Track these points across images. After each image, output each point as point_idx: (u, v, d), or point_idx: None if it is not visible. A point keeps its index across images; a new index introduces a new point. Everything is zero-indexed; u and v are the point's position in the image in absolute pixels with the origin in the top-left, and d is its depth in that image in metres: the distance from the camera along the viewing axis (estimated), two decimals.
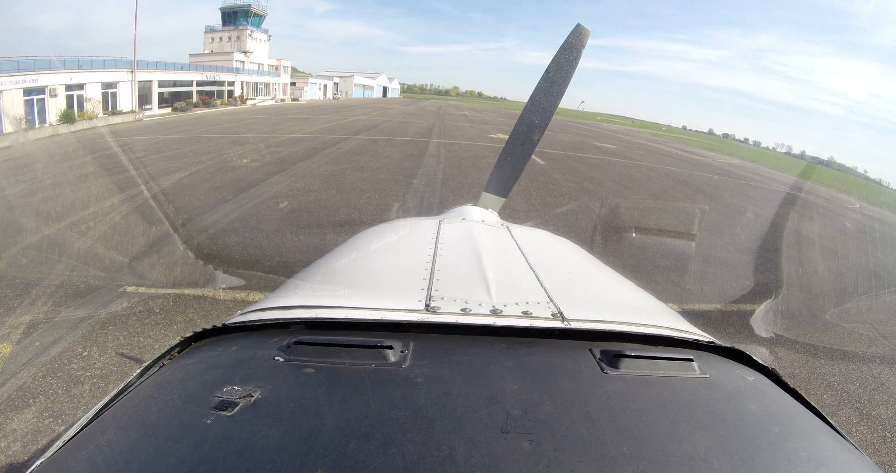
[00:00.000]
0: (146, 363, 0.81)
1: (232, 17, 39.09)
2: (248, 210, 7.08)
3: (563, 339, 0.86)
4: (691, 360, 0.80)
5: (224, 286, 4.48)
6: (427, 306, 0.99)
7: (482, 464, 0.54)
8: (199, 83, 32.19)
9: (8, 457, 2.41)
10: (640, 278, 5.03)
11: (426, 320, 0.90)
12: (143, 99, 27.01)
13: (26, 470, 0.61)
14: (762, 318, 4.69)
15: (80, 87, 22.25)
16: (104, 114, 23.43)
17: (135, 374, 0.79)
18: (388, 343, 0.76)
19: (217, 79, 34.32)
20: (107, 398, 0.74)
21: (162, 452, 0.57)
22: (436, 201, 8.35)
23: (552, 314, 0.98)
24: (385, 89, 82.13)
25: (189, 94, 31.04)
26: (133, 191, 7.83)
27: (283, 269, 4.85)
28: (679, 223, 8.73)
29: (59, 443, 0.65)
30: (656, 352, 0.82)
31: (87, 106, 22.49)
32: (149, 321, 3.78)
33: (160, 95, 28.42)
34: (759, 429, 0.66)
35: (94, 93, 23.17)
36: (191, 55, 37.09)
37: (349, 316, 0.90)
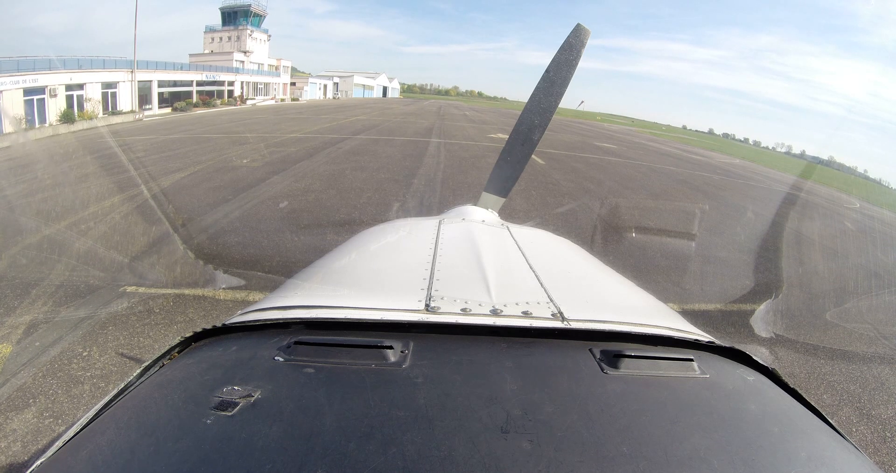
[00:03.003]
0: (146, 363, 0.81)
1: (232, 17, 39.08)
2: (248, 210, 7.08)
3: (563, 339, 0.86)
4: (691, 360, 0.80)
5: (224, 286, 4.48)
6: (427, 306, 0.99)
7: (482, 464, 0.54)
8: (199, 83, 32.17)
9: (8, 457, 2.41)
10: (640, 278, 5.02)
11: (426, 320, 0.90)
12: (143, 99, 27.01)
13: (26, 470, 0.61)
14: (762, 318, 4.69)
15: (80, 87, 22.25)
16: (104, 114, 23.42)
17: (135, 374, 0.78)
18: (388, 343, 0.76)
19: (217, 79, 34.30)
20: (107, 398, 0.74)
21: (162, 452, 0.57)
22: (436, 201, 8.35)
23: (552, 314, 0.98)
24: (385, 89, 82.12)
25: (189, 94, 31.03)
26: (133, 191, 7.83)
27: (283, 269, 4.84)
28: (679, 223, 8.72)
29: (59, 443, 0.65)
30: (656, 352, 0.81)
31: (87, 106, 22.49)
32: (149, 321, 3.78)
33: (160, 95, 28.42)
34: (759, 429, 0.66)
35: (94, 93, 23.16)
36: (191, 55, 37.12)
37: (349, 316, 0.90)
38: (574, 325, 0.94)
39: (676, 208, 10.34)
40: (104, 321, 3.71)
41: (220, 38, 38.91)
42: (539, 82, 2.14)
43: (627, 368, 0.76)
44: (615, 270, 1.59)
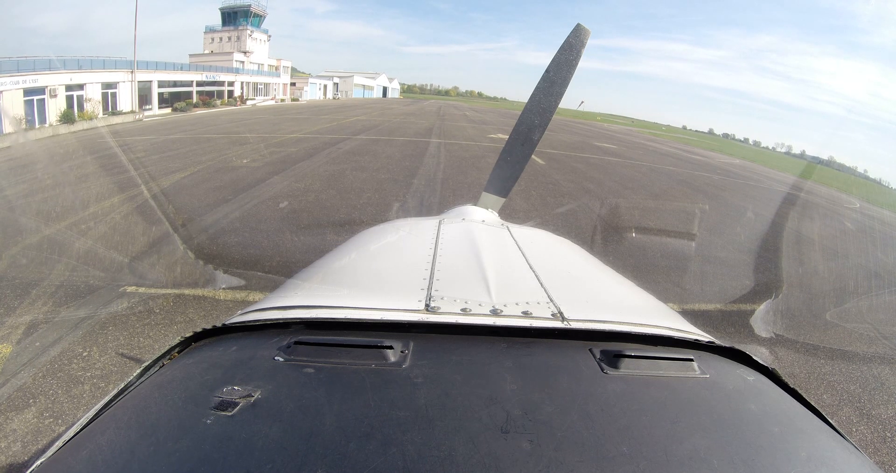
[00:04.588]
0: (146, 363, 0.81)
1: (232, 17, 39.10)
2: (248, 210, 7.08)
3: (563, 339, 0.86)
4: (691, 360, 0.80)
5: (224, 286, 4.48)
6: (427, 306, 0.99)
7: (482, 464, 0.54)
8: (199, 83, 32.18)
9: (8, 457, 2.41)
10: (640, 278, 5.02)
11: (426, 320, 0.90)
12: (143, 99, 27.01)
13: (26, 470, 0.61)
14: (762, 318, 4.69)
15: (80, 87, 22.26)
16: (104, 114, 23.43)
17: (135, 374, 0.78)
18: (388, 343, 0.76)
19: (217, 79, 34.31)
20: (107, 398, 0.74)
21: (162, 452, 0.57)
22: (436, 201, 8.35)
23: (552, 314, 0.98)
24: (385, 89, 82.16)
25: (189, 94, 31.03)
26: (133, 191, 7.83)
27: (283, 269, 4.84)
28: (679, 223, 8.73)
29: (59, 443, 0.65)
30: (656, 352, 0.81)
31: (87, 106, 22.49)
32: (149, 321, 3.78)
33: (160, 95, 28.41)
34: (759, 429, 0.66)
35: (94, 93, 23.17)
36: (191, 55, 37.16)
37: (349, 316, 0.89)
38: (574, 325, 0.94)
39: (676, 208, 10.34)
40: (104, 321, 3.71)
41: (220, 39, 38.92)
42: (539, 82, 2.14)
43: (627, 368, 0.76)
44: (615, 270, 1.59)
